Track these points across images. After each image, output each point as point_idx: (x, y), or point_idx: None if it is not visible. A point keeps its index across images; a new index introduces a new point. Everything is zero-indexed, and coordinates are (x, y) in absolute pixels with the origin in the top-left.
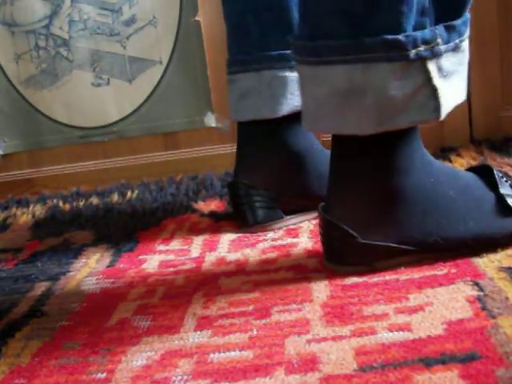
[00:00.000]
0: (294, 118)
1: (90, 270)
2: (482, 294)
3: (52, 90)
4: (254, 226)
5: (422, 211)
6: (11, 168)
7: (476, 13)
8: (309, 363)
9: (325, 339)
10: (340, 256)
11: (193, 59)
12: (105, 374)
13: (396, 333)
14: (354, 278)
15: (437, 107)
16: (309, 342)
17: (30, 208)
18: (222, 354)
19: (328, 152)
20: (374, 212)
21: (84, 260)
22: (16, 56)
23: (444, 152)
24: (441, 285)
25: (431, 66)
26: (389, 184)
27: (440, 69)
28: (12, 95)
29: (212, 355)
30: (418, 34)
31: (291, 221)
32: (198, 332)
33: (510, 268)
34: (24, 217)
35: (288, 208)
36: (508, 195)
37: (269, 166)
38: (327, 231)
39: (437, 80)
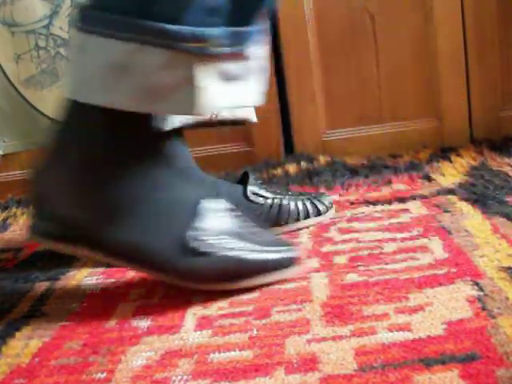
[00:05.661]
0: None
1: (90, 269)
2: (482, 293)
3: (52, 90)
4: None
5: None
6: (11, 168)
7: (476, 13)
8: (309, 363)
9: (325, 339)
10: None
11: None
12: (105, 374)
13: (396, 333)
14: (354, 277)
15: (197, 105)
16: (309, 342)
17: (30, 208)
18: (221, 354)
19: None
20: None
21: (84, 260)
22: (16, 56)
23: (444, 152)
24: (441, 285)
25: (197, 64)
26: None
27: (217, 71)
28: (12, 95)
29: (212, 355)
30: (192, 29)
31: None
32: (198, 332)
33: (509, 268)
34: (24, 217)
35: None
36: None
37: None
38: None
39: (202, 80)
